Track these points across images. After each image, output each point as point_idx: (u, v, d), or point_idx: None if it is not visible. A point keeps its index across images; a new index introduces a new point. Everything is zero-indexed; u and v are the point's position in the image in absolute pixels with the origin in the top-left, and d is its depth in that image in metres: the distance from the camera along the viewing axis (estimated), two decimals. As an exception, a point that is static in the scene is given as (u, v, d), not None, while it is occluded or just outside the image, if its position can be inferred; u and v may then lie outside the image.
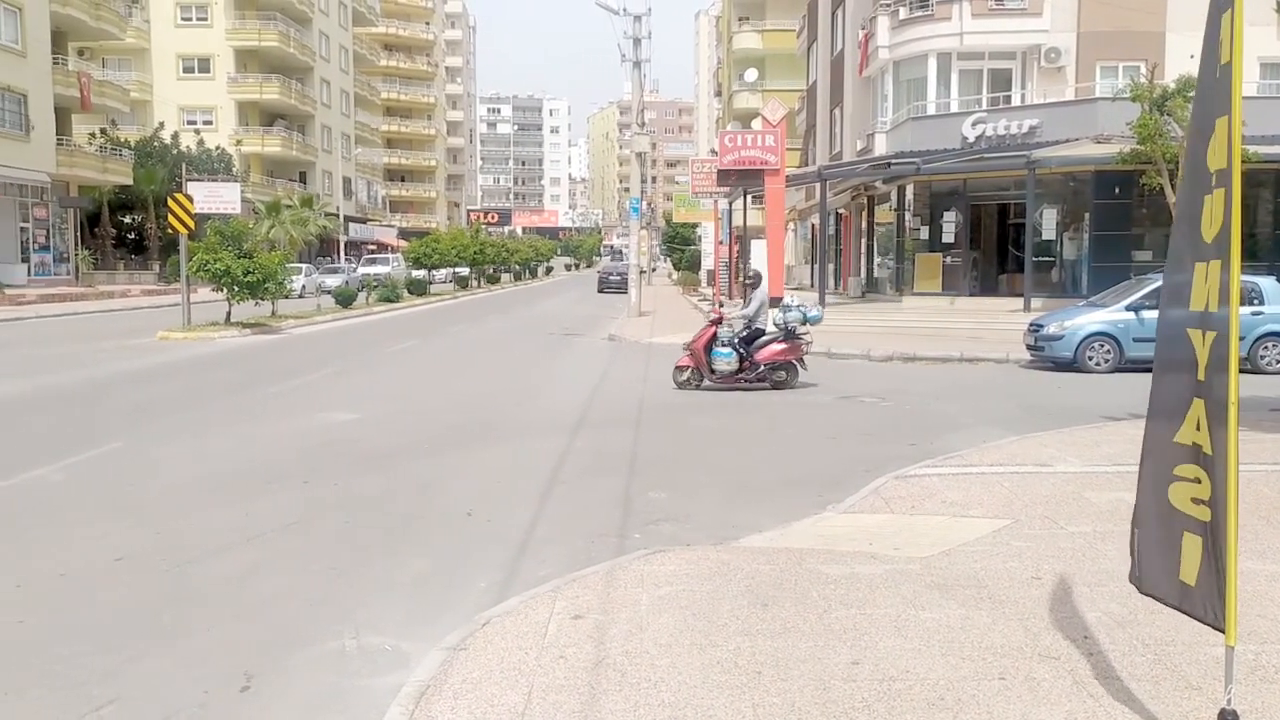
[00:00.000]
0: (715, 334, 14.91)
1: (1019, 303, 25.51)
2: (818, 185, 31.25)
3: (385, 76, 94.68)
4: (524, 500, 8.12)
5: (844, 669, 4.55)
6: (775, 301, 26.50)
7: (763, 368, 14.77)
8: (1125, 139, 22.63)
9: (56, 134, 42.17)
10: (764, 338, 15.07)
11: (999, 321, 23.46)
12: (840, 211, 39.15)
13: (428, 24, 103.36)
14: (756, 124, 36.05)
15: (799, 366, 15.09)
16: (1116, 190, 25.83)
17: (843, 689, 4.34)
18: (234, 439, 11.01)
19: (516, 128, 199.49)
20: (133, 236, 52.68)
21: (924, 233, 30.69)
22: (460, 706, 4.22)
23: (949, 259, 29.50)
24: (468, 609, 5.61)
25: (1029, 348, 18.02)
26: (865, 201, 35.46)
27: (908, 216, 31.67)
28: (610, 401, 13.83)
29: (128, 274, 48.59)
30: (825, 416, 12.68)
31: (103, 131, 50.19)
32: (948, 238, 29.85)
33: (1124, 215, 26.21)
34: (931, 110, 30.66)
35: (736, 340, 14.84)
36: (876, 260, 35.50)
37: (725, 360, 14.71)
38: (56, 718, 4.36)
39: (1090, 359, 17.03)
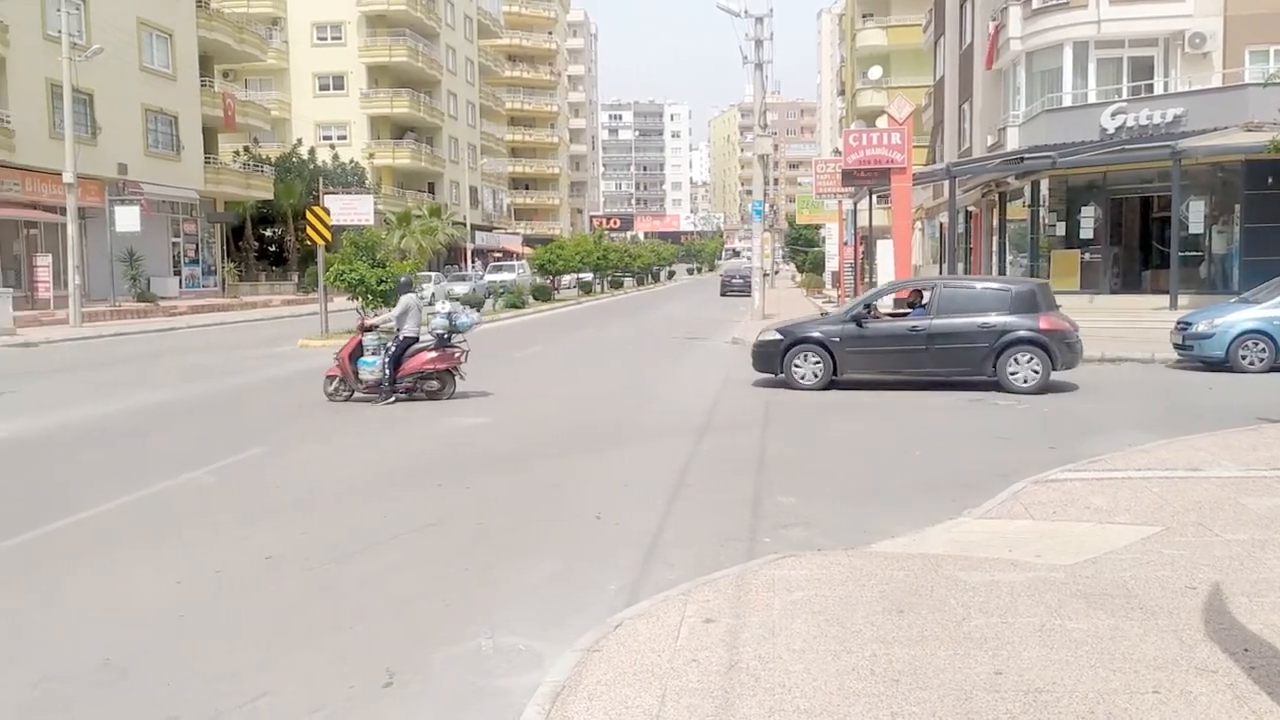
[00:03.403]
0: (361, 343, 14.25)
1: (1164, 300, 24.38)
2: (946, 183, 30.49)
3: (509, 87, 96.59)
4: (652, 503, 8.14)
5: (986, 679, 4.41)
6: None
7: (409, 379, 14.10)
8: (1278, 126, 21.39)
9: (204, 153, 44.37)
10: (416, 346, 14.29)
11: (1142, 320, 22.50)
12: (970, 209, 38.13)
13: (550, 33, 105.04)
14: (881, 122, 35.41)
15: (455, 376, 14.40)
16: (1270, 180, 24.45)
17: (985, 700, 4.20)
18: (370, 443, 11.36)
19: (638, 133, 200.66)
20: (273, 249, 55.01)
21: (1060, 229, 29.61)
22: (595, 708, 4.25)
23: (1088, 255, 28.40)
24: (599, 611, 5.65)
25: (1176, 347, 17.20)
26: (996, 198, 34.44)
27: (1043, 212, 30.61)
28: (735, 404, 13.76)
29: (269, 285, 50.76)
30: (958, 420, 12.35)
31: (246, 149, 52.59)
32: (1086, 233, 28.74)
33: (1278, 206, 24.79)
34: (1067, 102, 29.57)
35: (386, 350, 14.12)
36: (1009, 258, 34.41)
37: (369, 370, 14.06)
38: (216, 707, 4.56)
39: (1244, 358, 16.15)
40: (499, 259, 70.99)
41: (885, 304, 16.99)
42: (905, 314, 15.71)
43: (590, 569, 6.53)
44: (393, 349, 14.07)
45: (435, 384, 14.24)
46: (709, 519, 7.66)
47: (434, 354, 14.17)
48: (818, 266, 60.39)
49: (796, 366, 15.03)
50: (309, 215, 27.04)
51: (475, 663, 5.07)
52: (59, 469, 10.12)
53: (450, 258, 65.05)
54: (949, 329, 14.45)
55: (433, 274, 46.54)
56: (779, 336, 15.43)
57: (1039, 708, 4.11)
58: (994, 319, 14.40)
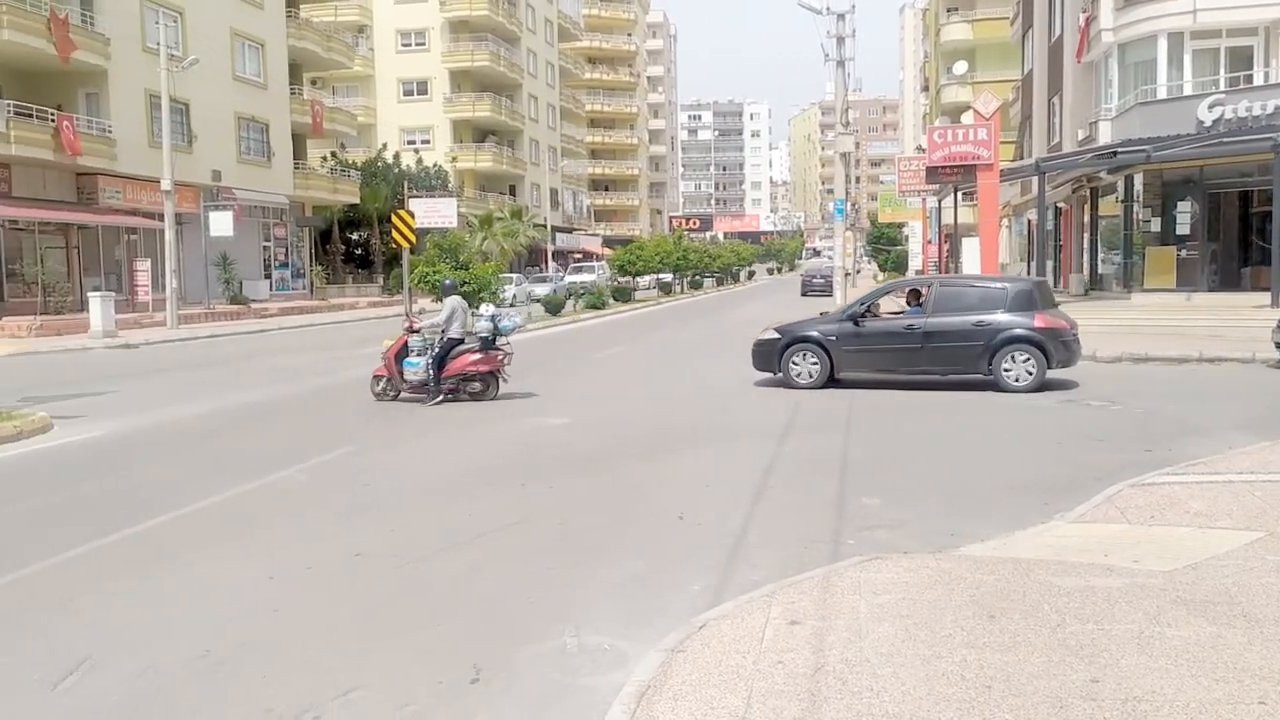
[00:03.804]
0: (407, 344, 14.39)
1: (1265, 298, 23.50)
2: (1035, 179, 29.81)
3: (589, 89, 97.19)
4: (734, 504, 8.11)
5: (1082, 687, 4.29)
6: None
7: (452, 380, 14.25)
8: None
9: (293, 158, 45.52)
10: (460, 348, 14.39)
11: (1242, 318, 21.73)
12: (1060, 205, 37.23)
13: (630, 35, 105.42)
14: (967, 118, 34.77)
15: (499, 378, 14.45)
16: (1377, 172, 23.37)
17: (1082, 708, 4.09)
18: (454, 442, 11.52)
19: (717, 133, 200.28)
20: (359, 252, 56.16)
21: (1155, 225, 28.71)
22: (681, 708, 4.24)
23: (1184, 252, 27.50)
24: (682, 611, 5.64)
25: (1278, 346, 16.56)
26: (1087, 194, 33.57)
27: (1136, 208, 29.72)
28: (817, 404, 13.63)
29: (355, 287, 51.84)
30: (1049, 421, 12.06)
31: (333, 154, 53.81)
32: (1182, 229, 27.83)
33: (1387, 199, 23.69)
34: (1162, 94, 28.67)
35: (431, 351, 14.29)
36: (1101, 255, 33.51)
37: (414, 370, 14.22)
38: (310, 700, 4.66)
39: (1351, 358, 15.49)
40: (579, 260, 71.47)
41: (895, 303, 16.73)
42: (902, 313, 15.61)
43: (673, 569, 6.52)
44: (437, 350, 14.29)
45: (478, 385, 14.42)
46: (792, 520, 7.60)
47: (477, 356, 14.35)
48: (900, 265, 59.60)
49: (794, 365, 15.15)
50: (394, 218, 27.59)
51: (560, 661, 5.10)
52: (159, 467, 10.46)
53: (531, 259, 65.70)
54: (944, 327, 14.50)
55: (514, 276, 47.06)
56: (777, 335, 15.50)
57: (1137, 717, 3.99)
58: (989, 317, 14.39)
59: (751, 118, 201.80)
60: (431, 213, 29.44)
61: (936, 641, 4.83)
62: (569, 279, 51.53)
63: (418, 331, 14.52)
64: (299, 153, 47.24)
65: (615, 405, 14.27)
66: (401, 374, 14.30)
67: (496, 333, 14.49)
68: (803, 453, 10.29)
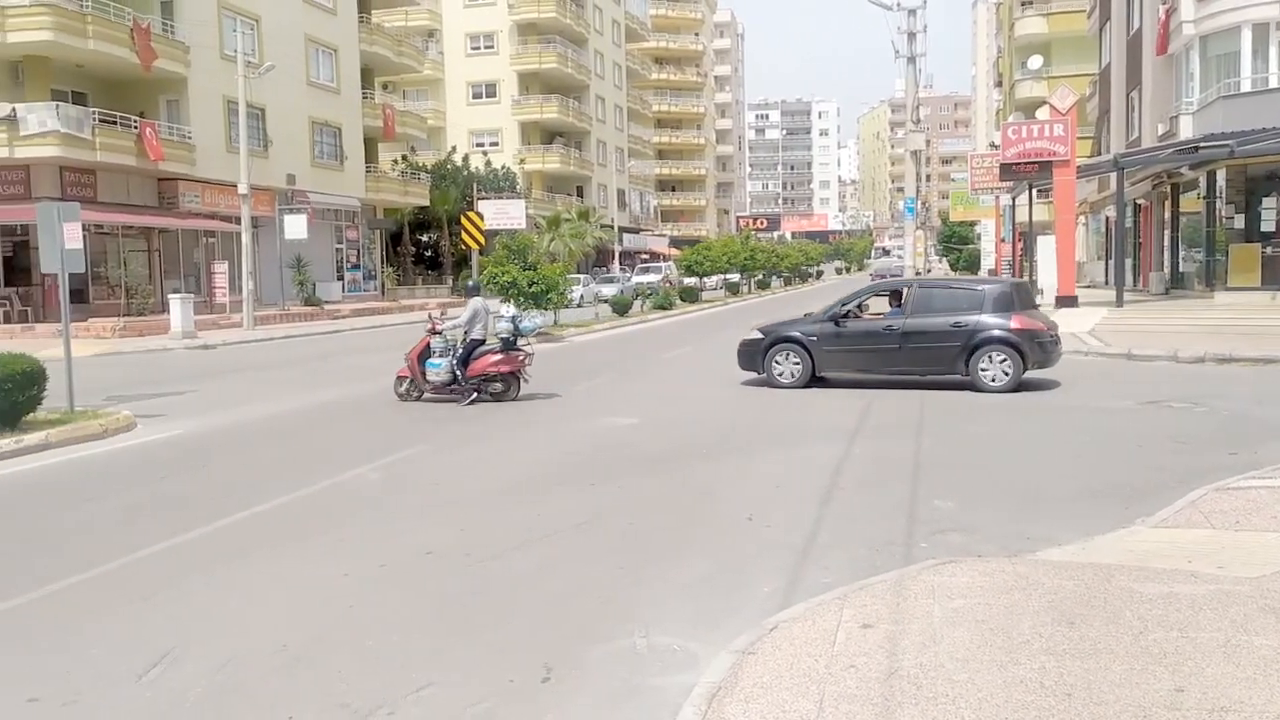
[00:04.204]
0: (429, 345, 14.51)
1: (1356, 296, 22.63)
2: (1113, 175, 29.09)
3: (656, 89, 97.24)
4: (804, 506, 8.04)
5: (1166, 696, 4.17)
6: (1067, 301, 25.01)
7: (475, 380, 14.33)
8: None
9: (365, 162, 46.28)
10: (482, 349, 14.47)
11: (1331, 317, 20.95)
12: (1139, 202, 36.30)
13: (697, 35, 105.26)
14: (1042, 113, 34.10)
15: (520, 379, 14.52)
16: None
17: (1166, 718, 3.97)
18: (524, 442, 11.60)
19: (785, 132, 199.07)
20: (429, 253, 56.93)
21: (1239, 221, 27.82)
22: (752, 710, 4.21)
23: (1270, 250, 26.61)
24: (752, 613, 5.61)
25: (1371, 346, 15.96)
26: (1168, 190, 32.68)
27: (1219, 204, 28.83)
28: (887, 407, 13.47)
29: (425, 288, 52.52)
30: (1128, 423, 11.76)
31: (404, 158, 54.62)
32: (1267, 226, 26.93)
33: None
34: (1246, 87, 27.77)
35: (454, 352, 14.39)
36: (1181, 253, 32.59)
37: (436, 371, 14.35)
38: (384, 696, 4.73)
39: None
40: (646, 261, 71.56)
41: (880, 305, 16.73)
42: (882, 314, 15.75)
43: (743, 570, 6.49)
44: (460, 352, 14.44)
45: (500, 386, 14.54)
46: (863, 523, 7.51)
47: (499, 357, 14.48)
48: (972, 264, 58.64)
49: (776, 365, 15.38)
50: (463, 220, 27.91)
51: (630, 661, 5.10)
52: (237, 465, 10.71)
53: (599, 260, 65.96)
54: (922, 328, 14.67)
55: (581, 276, 47.29)
56: (760, 336, 15.75)
57: (1226, 729, 3.87)
58: (966, 319, 14.53)
59: (820, 116, 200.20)
60: (500, 214, 29.74)
61: (1014, 647, 4.73)
62: (636, 279, 51.63)
63: (440, 333, 14.73)
64: (370, 156, 48.00)
65: (683, 405, 14.25)
66: (424, 375, 14.50)
67: (517, 334, 14.68)
68: (873, 454, 10.17)
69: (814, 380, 15.23)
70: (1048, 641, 4.79)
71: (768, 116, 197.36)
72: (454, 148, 59.88)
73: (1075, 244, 32.90)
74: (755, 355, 15.64)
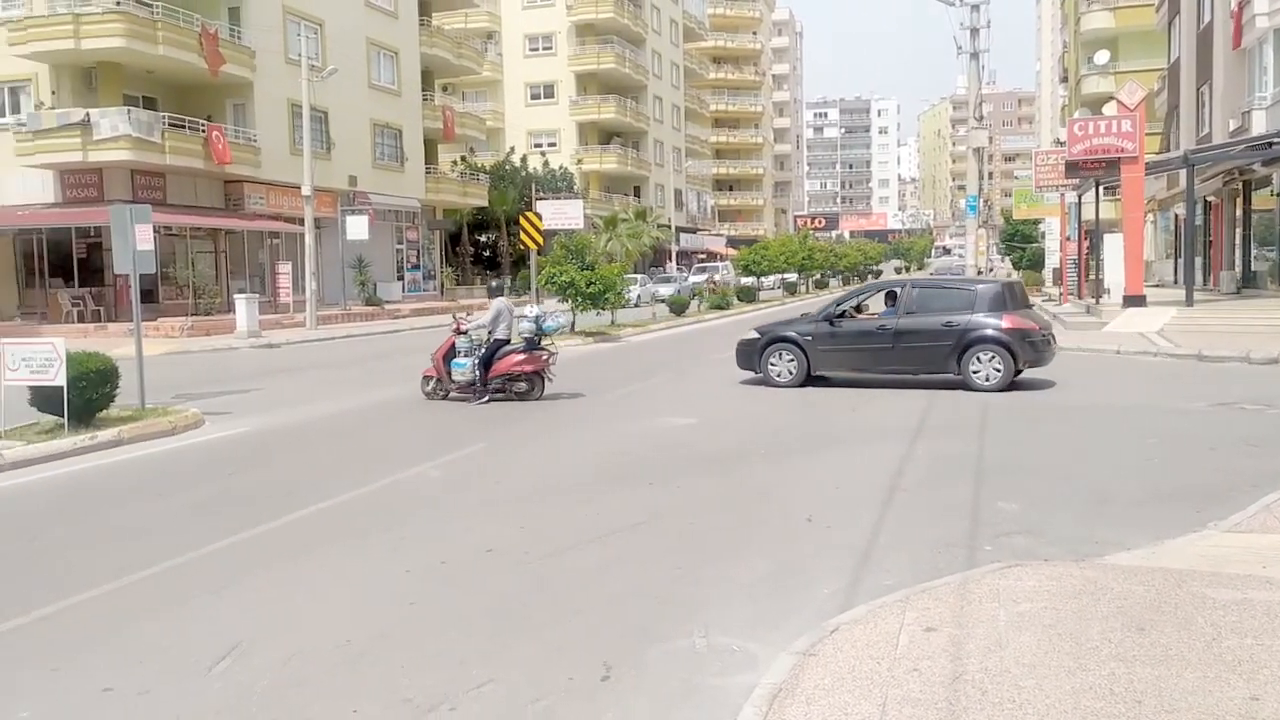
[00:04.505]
0: (454, 344, 14.67)
1: None
2: (1183, 172, 28.40)
3: (714, 89, 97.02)
4: (864, 507, 7.96)
5: (1241, 705, 4.06)
6: (1135, 301, 24.47)
7: (498, 380, 14.46)
8: None
9: (424, 163, 46.78)
10: (506, 349, 14.58)
11: None
12: (1209, 199, 35.40)
13: (755, 34, 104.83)
14: (1109, 109, 33.37)
15: (544, 378, 14.61)
16: None
17: (1242, 729, 3.87)
18: (582, 441, 11.64)
19: (844, 131, 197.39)
20: (488, 254, 57.36)
21: (1314, 219, 27.06)
22: (814, 712, 4.17)
23: (1346, 247, 25.84)
24: (812, 614, 5.57)
25: None
26: (1239, 187, 31.83)
27: (1292, 201, 28.06)
28: (950, 407, 13.29)
29: (483, 288, 52.92)
30: (1199, 425, 11.47)
31: (463, 159, 55.10)
32: (1344, 223, 26.15)
33: None
34: (1322, 80, 26.98)
35: (478, 351, 14.53)
36: (1253, 252, 31.73)
37: (461, 371, 14.52)
38: (445, 691, 4.77)
39: None
40: (703, 260, 71.42)
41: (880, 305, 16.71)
42: (877, 314, 15.89)
43: (802, 571, 6.44)
44: (484, 351, 14.56)
45: (524, 385, 14.64)
46: (925, 524, 7.42)
47: (522, 356, 14.61)
48: (1036, 263, 57.60)
49: (772, 364, 15.58)
50: (522, 220, 28.02)
51: (690, 660, 5.08)
52: (300, 462, 10.89)
53: (655, 260, 65.99)
54: (914, 327, 14.82)
55: (638, 276, 47.34)
56: (757, 335, 16.00)
57: (1306, 741, 3.75)
58: (958, 318, 14.62)
59: (879, 114, 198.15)
60: (558, 214, 29.82)
61: (1082, 653, 4.64)
62: (693, 279, 51.54)
63: (464, 333, 14.88)
64: (430, 157, 48.49)
65: (740, 404, 14.20)
66: (449, 374, 14.67)
67: (540, 334, 14.81)
68: (934, 455, 10.04)
69: (811, 380, 15.40)
70: (1117, 648, 4.69)
71: (826, 115, 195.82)
72: (512, 148, 60.28)
73: (1143, 242, 32.19)
74: (752, 355, 15.84)
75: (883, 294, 16.57)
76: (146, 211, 13.83)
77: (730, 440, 11.32)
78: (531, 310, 15.38)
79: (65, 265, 33.09)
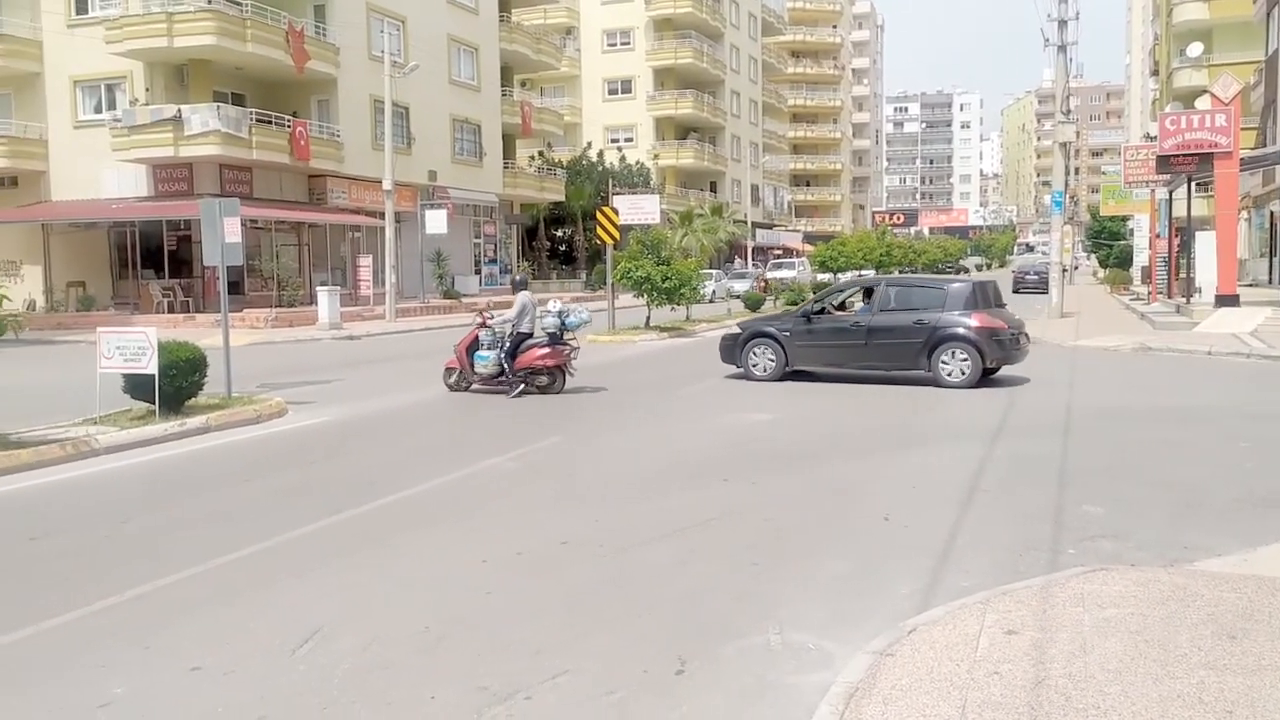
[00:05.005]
0: (478, 337, 14.79)
1: None
2: (1278, 167, 27.43)
3: (792, 84, 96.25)
4: (943, 507, 7.83)
5: (1341, 721, 3.91)
6: (1227, 300, 23.70)
7: (521, 373, 14.51)
8: None
9: (502, 158, 47.23)
10: (529, 342, 14.67)
11: None
12: (1307, 196, 34.11)
13: (834, 27, 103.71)
14: (1202, 103, 32.37)
15: (566, 372, 14.71)
16: None
17: (1342, 745, 3.72)
18: (660, 435, 11.65)
19: (924, 125, 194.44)
20: (564, 248, 57.75)
21: None
22: (891, 713, 4.13)
23: None
24: (889, 614, 5.50)
25: None
26: (1340, 183, 30.62)
27: (1398, 198, 26.91)
28: (1032, 407, 13.01)
29: (559, 283, 53.30)
30: (1294, 429, 11.07)
31: (540, 154, 55.52)
32: None
33: None
34: None
35: (502, 345, 14.60)
36: (1355, 250, 30.52)
37: (484, 364, 14.68)
38: (521, 681, 4.81)
39: None
40: (779, 256, 70.97)
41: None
42: (853, 310, 16.16)
43: (879, 571, 6.37)
44: (508, 345, 14.66)
45: (545, 379, 14.73)
46: (1005, 526, 7.28)
47: (545, 350, 14.68)
48: (1124, 261, 56.12)
49: (752, 358, 16.03)
50: (598, 215, 28.12)
51: (764, 657, 5.06)
52: (380, 451, 11.08)
53: (730, 255, 65.76)
54: (887, 324, 15.20)
55: (714, 271, 47.22)
56: (738, 331, 16.62)
57: None
58: (928, 316, 14.97)
59: (961, 109, 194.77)
60: (634, 209, 29.82)
61: (1170, 661, 4.51)
62: (769, 275, 51.25)
63: (488, 326, 14.99)
64: (508, 152, 48.94)
65: (818, 401, 14.08)
66: (472, 366, 14.83)
67: (563, 328, 14.90)
68: (1015, 456, 9.84)
69: (789, 374, 15.79)
70: (1207, 655, 4.55)
71: (906, 109, 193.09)
72: (589, 143, 60.54)
73: (1237, 240, 31.15)
74: (733, 349, 16.26)
75: (861, 291, 16.87)
76: (235, 205, 14.19)
77: (809, 436, 11.24)
78: (554, 305, 15.55)
79: (156, 257, 34.12)
